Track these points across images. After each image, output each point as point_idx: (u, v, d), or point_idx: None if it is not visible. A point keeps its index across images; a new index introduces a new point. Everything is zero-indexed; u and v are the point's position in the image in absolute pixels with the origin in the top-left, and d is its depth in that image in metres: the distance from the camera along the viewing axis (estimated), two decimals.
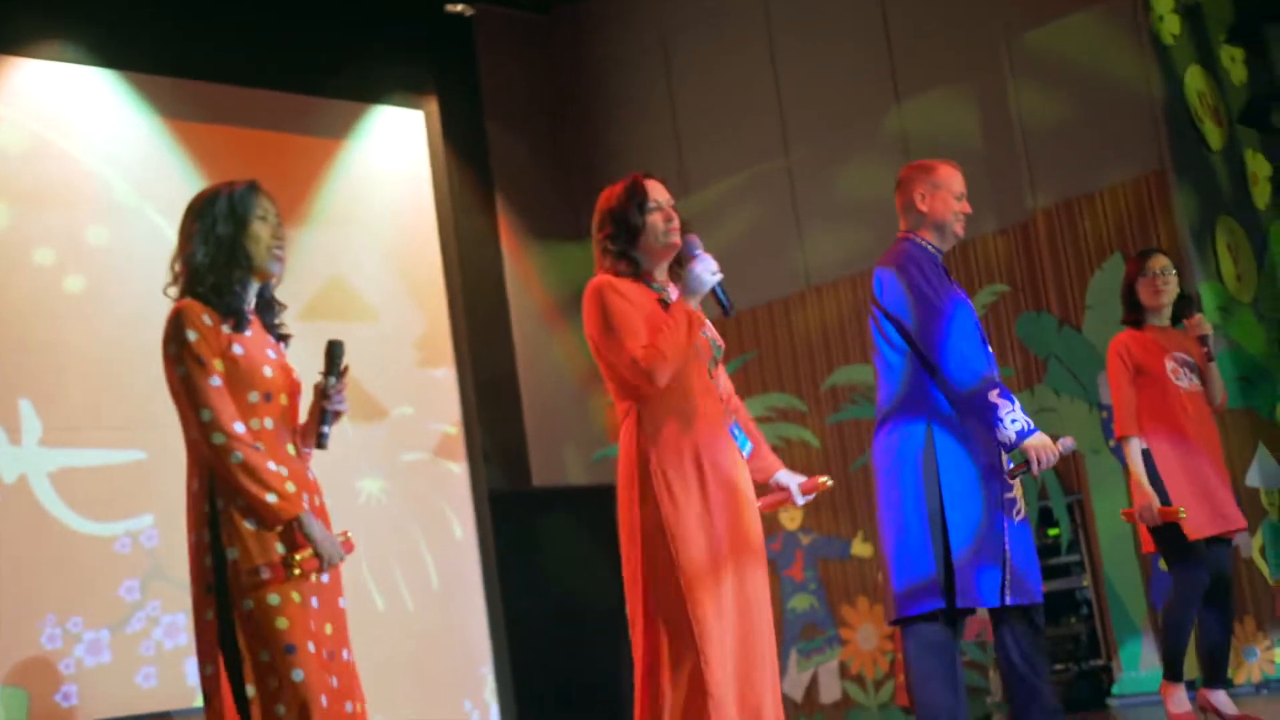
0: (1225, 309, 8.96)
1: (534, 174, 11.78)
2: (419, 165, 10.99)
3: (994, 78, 9.78)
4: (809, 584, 10.48)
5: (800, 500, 4.99)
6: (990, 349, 5.53)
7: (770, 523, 10.64)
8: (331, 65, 10.54)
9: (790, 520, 10.57)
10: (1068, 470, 9.40)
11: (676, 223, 4.76)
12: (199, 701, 7.43)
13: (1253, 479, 8.75)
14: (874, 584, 10.17)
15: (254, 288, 4.28)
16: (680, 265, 4.77)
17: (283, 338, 4.38)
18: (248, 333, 4.18)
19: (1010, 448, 5.22)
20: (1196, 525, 6.38)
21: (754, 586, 4.63)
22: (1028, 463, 5.17)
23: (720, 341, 4.90)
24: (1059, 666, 9.25)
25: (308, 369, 9.97)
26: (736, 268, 10.91)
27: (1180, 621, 6.44)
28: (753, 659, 4.58)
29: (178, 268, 4.24)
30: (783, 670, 10.51)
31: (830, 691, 10.33)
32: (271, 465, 4.08)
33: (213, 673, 4.00)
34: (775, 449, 10.52)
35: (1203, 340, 6.64)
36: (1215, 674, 6.52)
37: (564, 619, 10.31)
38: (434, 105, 11.12)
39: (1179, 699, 6.48)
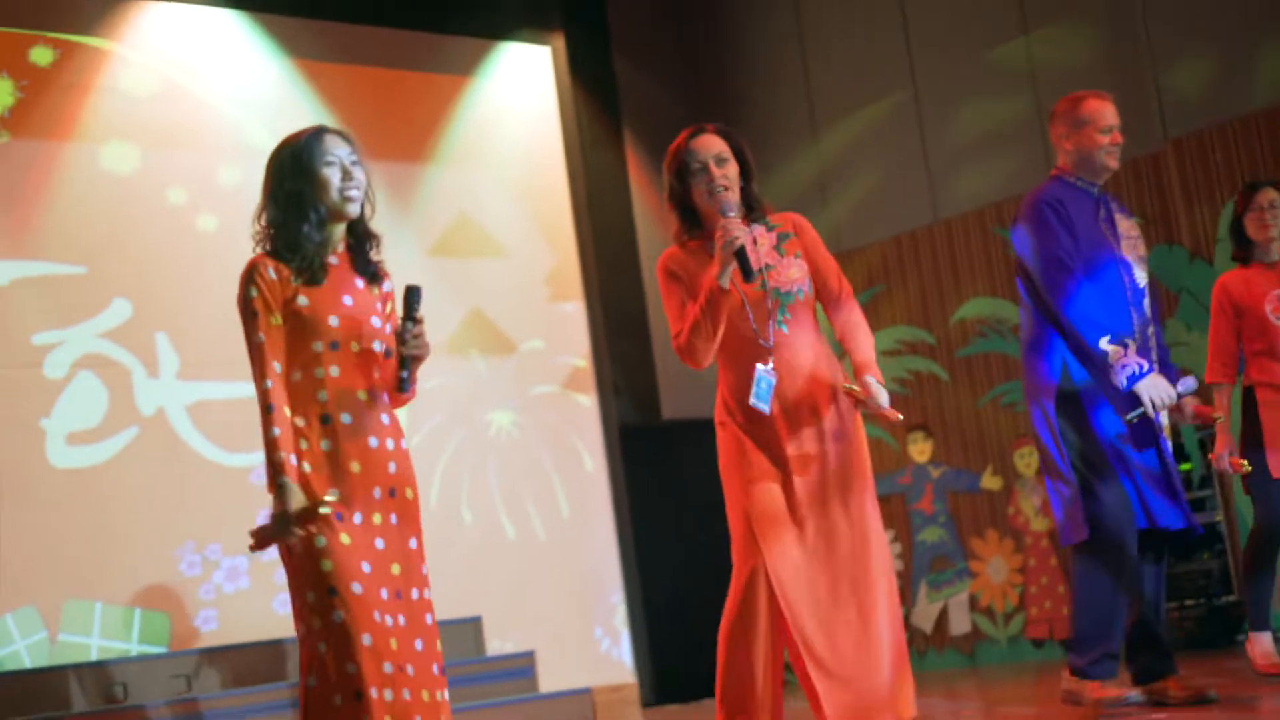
0: None
1: (662, 109, 11.78)
2: (546, 101, 11.04)
3: (1123, 5, 9.61)
4: (939, 516, 10.47)
5: (873, 398, 4.81)
6: (1137, 284, 5.54)
7: (900, 457, 10.63)
8: (459, 2, 10.62)
9: (920, 454, 10.56)
10: (1204, 402, 9.26)
11: (724, 179, 4.74)
12: None
13: None
14: (1004, 516, 10.14)
15: (337, 231, 4.36)
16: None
17: (376, 276, 4.44)
18: (324, 282, 4.25)
19: (1124, 391, 5.26)
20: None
21: (837, 523, 4.67)
22: (1143, 409, 5.22)
23: (792, 285, 4.78)
24: (1189, 602, 9.16)
25: (433, 305, 10.12)
26: (865, 201, 10.94)
27: (1261, 569, 6.33)
28: (829, 591, 4.61)
29: (258, 226, 4.34)
30: (912, 601, 10.53)
31: (960, 624, 10.33)
32: (343, 419, 4.20)
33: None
34: (903, 382, 10.55)
35: None
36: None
37: (694, 550, 10.39)
38: (561, 41, 11.16)
39: (1264, 648, 6.37)
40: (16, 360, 8.41)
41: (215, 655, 8.19)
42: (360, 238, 4.46)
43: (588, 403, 10.58)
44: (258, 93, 9.68)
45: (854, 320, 4.93)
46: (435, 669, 4.25)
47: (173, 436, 8.78)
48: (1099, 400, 5.46)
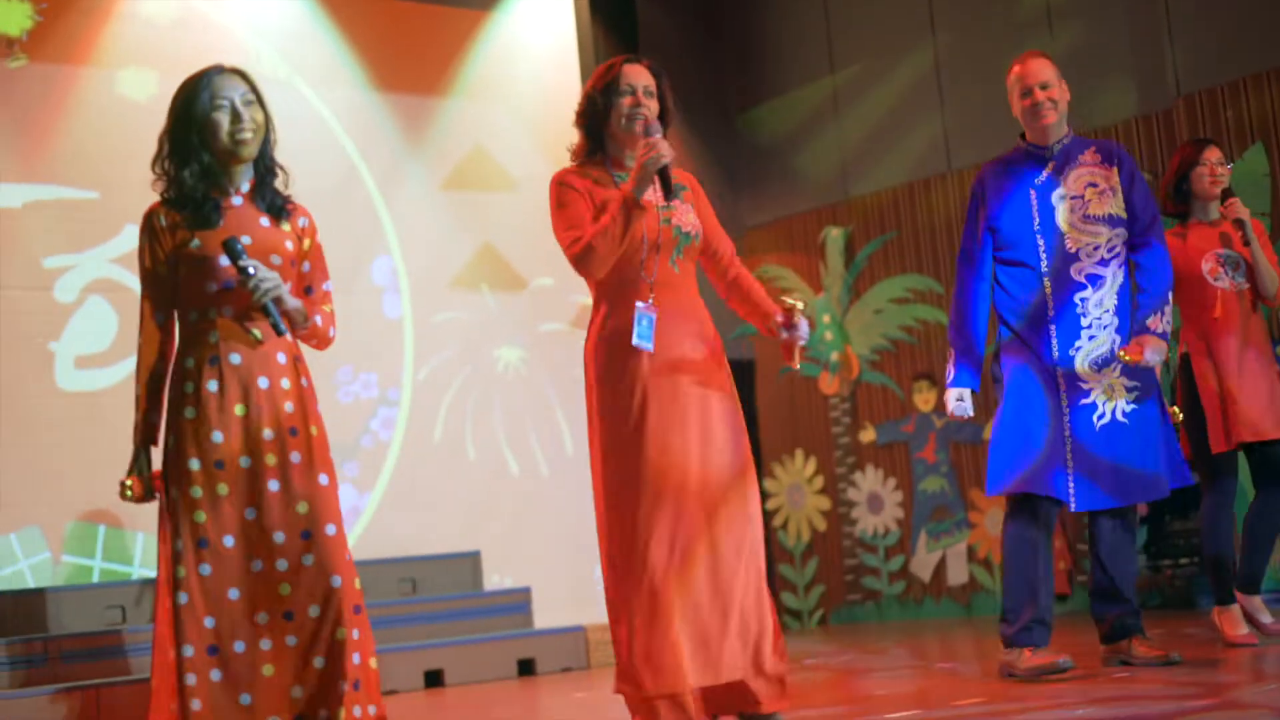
0: None
1: (683, 48, 11.78)
2: (566, 37, 11.04)
3: None
4: (941, 466, 10.53)
5: (787, 335, 4.71)
6: (1065, 250, 5.58)
7: (904, 405, 10.68)
8: None
9: (925, 403, 10.60)
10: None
11: (646, 110, 4.65)
12: None
13: None
14: None
15: (237, 171, 4.38)
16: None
17: (284, 211, 4.44)
18: (219, 224, 4.29)
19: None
20: (1219, 439, 6.19)
21: (714, 476, 4.58)
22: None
23: (691, 228, 4.72)
24: (1183, 560, 9.22)
25: (444, 239, 10.15)
26: (879, 147, 10.94)
27: (1212, 544, 6.28)
28: (697, 558, 4.53)
29: (154, 174, 4.40)
30: (911, 551, 10.60)
31: (958, 574, 10.41)
32: (231, 359, 4.30)
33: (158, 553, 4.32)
34: (910, 330, 10.59)
35: (1239, 224, 6.28)
36: (1252, 577, 6.30)
37: None
38: None
39: (1234, 620, 6.25)
40: (27, 282, 8.50)
41: None
42: (262, 174, 4.46)
43: None
44: (276, 22, 9.71)
45: (746, 272, 4.94)
46: (355, 609, 4.27)
47: None
48: (1023, 369, 5.56)
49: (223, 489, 4.20)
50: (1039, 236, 5.61)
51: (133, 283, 8.74)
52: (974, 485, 10.36)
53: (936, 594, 10.49)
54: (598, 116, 4.73)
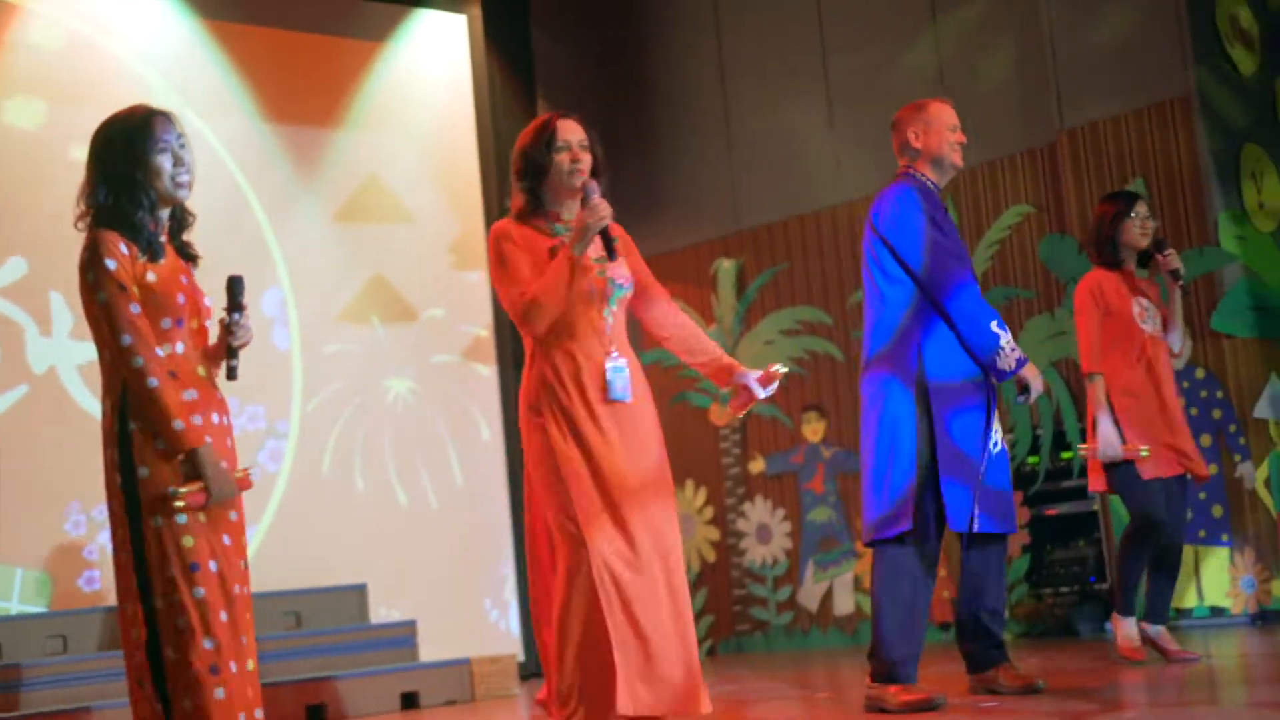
0: (1244, 238, 8.94)
1: (578, 81, 11.84)
2: (460, 70, 11.07)
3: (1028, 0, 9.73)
4: (829, 497, 10.61)
5: (761, 393, 5.07)
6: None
7: (794, 435, 10.77)
8: None
9: (813, 433, 10.68)
10: (1083, 394, 9.42)
11: (584, 164, 4.87)
12: None
13: (1262, 410, 8.77)
14: None
15: (164, 214, 4.42)
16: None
17: (191, 258, 4.50)
18: (161, 260, 4.32)
19: (1008, 376, 5.47)
20: (1152, 466, 6.48)
21: (658, 522, 4.79)
22: (1027, 390, 5.43)
23: (624, 280, 4.98)
24: (1064, 589, 9.34)
25: (335, 270, 10.13)
26: (771, 180, 11.03)
27: (1135, 558, 6.56)
28: (654, 596, 4.73)
29: (82, 207, 4.38)
30: (799, 581, 10.67)
31: (844, 604, 10.49)
32: (185, 395, 4.24)
33: (125, 585, 4.24)
34: (800, 361, 10.68)
35: (1175, 274, 6.73)
36: (1159, 610, 6.69)
37: None
38: (477, 9, 11.17)
39: (1128, 632, 6.61)
40: None
41: (95, 616, 8.24)
42: (179, 219, 4.50)
43: (487, 373, 10.66)
44: (166, 51, 9.67)
45: (690, 323, 5.23)
46: (244, 640, 4.36)
47: (63, 395, 8.81)
48: (952, 399, 5.56)
49: (201, 515, 4.23)
50: (968, 264, 5.73)
51: (14, 314, 8.68)
52: (860, 515, 10.42)
53: (824, 624, 10.57)
54: (537, 173, 4.88)
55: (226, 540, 4.30)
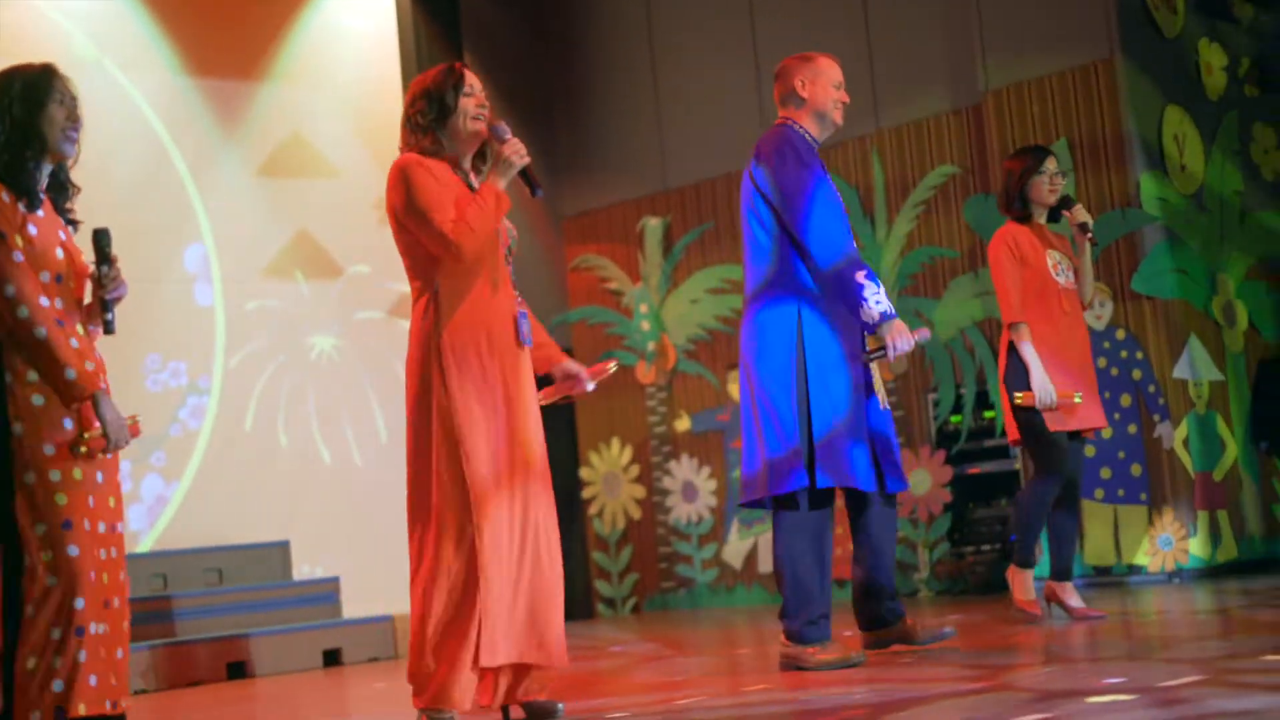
0: (1166, 200, 9.01)
1: (505, 38, 11.78)
2: (386, 24, 10.98)
3: None
4: None
5: (589, 386, 5.08)
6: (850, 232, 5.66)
7: (719, 394, 10.79)
8: None
9: (739, 392, 10.69)
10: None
11: (487, 112, 4.82)
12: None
13: (1181, 370, 8.85)
14: None
15: (47, 169, 4.37)
16: (483, 159, 4.84)
17: (72, 223, 4.46)
18: (40, 213, 4.28)
19: (872, 328, 5.41)
20: (1058, 419, 6.51)
21: (535, 493, 4.76)
22: (884, 347, 5.36)
23: (515, 234, 4.98)
24: (985, 547, 9.42)
25: (259, 226, 10.05)
26: (698, 138, 11.02)
27: (1036, 511, 6.58)
28: (530, 569, 4.71)
29: None
30: (724, 539, 10.71)
31: (768, 561, 10.53)
32: (73, 343, 4.20)
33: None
34: (726, 320, 10.69)
35: (1083, 228, 6.74)
36: (1063, 567, 6.70)
37: None
38: None
39: (1026, 585, 6.63)
40: None
41: None
42: (62, 184, 4.46)
43: None
44: (85, 3, 9.55)
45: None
46: (118, 601, 4.34)
47: None
48: (831, 354, 5.53)
49: (77, 473, 4.21)
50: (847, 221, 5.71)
51: None
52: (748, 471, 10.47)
53: (748, 581, 10.62)
54: (441, 114, 4.79)
55: (91, 502, 4.25)
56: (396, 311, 10.54)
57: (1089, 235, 6.76)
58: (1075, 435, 6.66)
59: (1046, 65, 9.31)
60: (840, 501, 5.69)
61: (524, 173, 4.73)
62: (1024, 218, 6.82)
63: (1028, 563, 6.64)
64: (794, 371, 5.49)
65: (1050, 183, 6.79)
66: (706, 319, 10.90)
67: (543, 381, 4.98)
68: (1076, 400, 6.53)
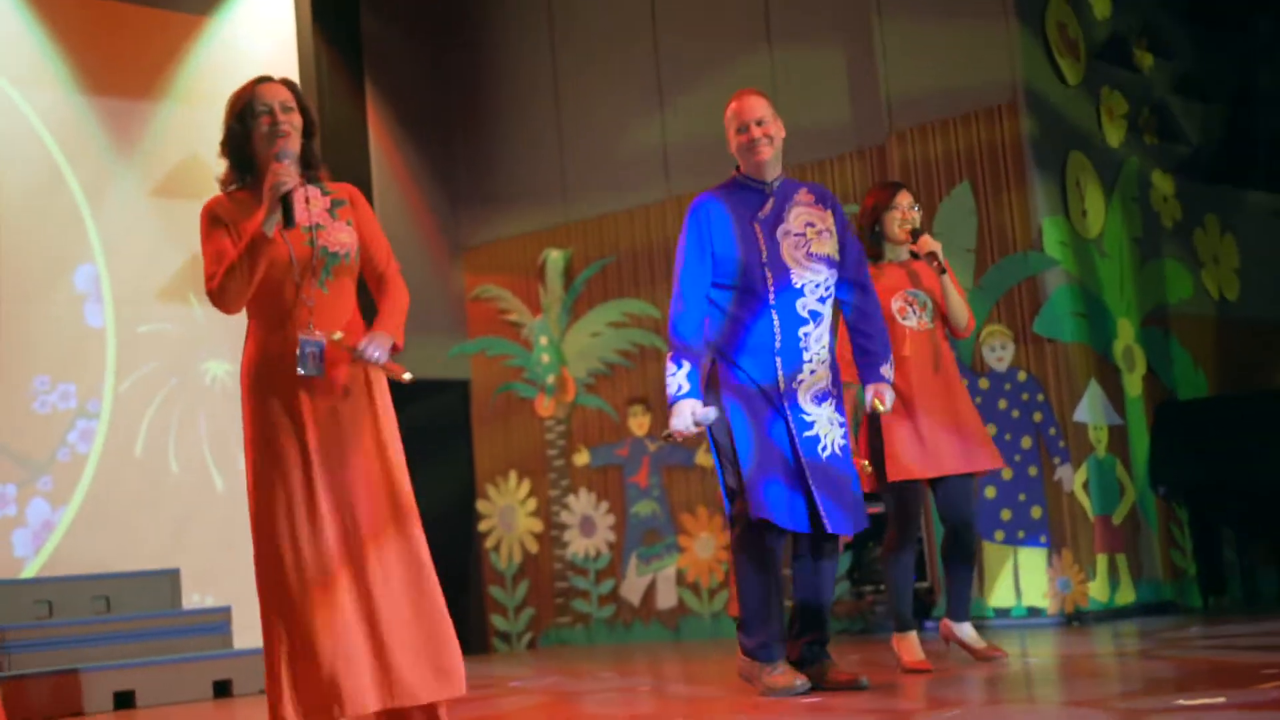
0: (1068, 244, 9.07)
1: (406, 63, 11.68)
2: (287, 49, 10.81)
3: (861, 3, 9.76)
4: (653, 490, 10.58)
5: (370, 355, 4.61)
6: (790, 285, 5.62)
7: (619, 428, 10.71)
8: None
9: (639, 426, 10.64)
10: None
11: (287, 125, 4.64)
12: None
13: (1081, 414, 8.90)
14: (715, 494, 10.27)
15: None
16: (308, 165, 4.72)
17: None
18: None
19: (669, 405, 5.61)
20: (900, 469, 6.28)
21: (357, 523, 4.57)
22: (669, 427, 5.56)
23: (340, 248, 4.66)
24: (883, 586, 9.39)
25: (153, 248, 9.87)
26: (601, 170, 10.97)
27: (895, 572, 6.37)
28: (333, 595, 4.50)
29: None
30: (622, 574, 10.63)
31: (667, 598, 10.46)
32: None
33: None
34: (626, 354, 10.63)
35: (931, 257, 6.41)
36: (959, 606, 6.52)
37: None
38: None
39: (910, 646, 6.35)
40: None
41: None
42: None
43: None
44: None
45: (392, 288, 4.81)
46: None
47: None
48: (742, 400, 5.60)
49: None
50: (766, 269, 5.64)
51: None
52: (684, 510, 10.44)
53: (646, 617, 10.54)
54: (239, 142, 4.70)
55: None
56: None
57: (937, 263, 6.43)
58: (940, 480, 6.38)
59: (951, 107, 9.35)
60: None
61: (284, 200, 4.50)
62: (875, 257, 6.50)
63: (905, 625, 6.39)
64: (717, 421, 5.64)
65: (903, 217, 6.48)
66: (607, 353, 10.83)
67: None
68: (866, 469, 6.32)
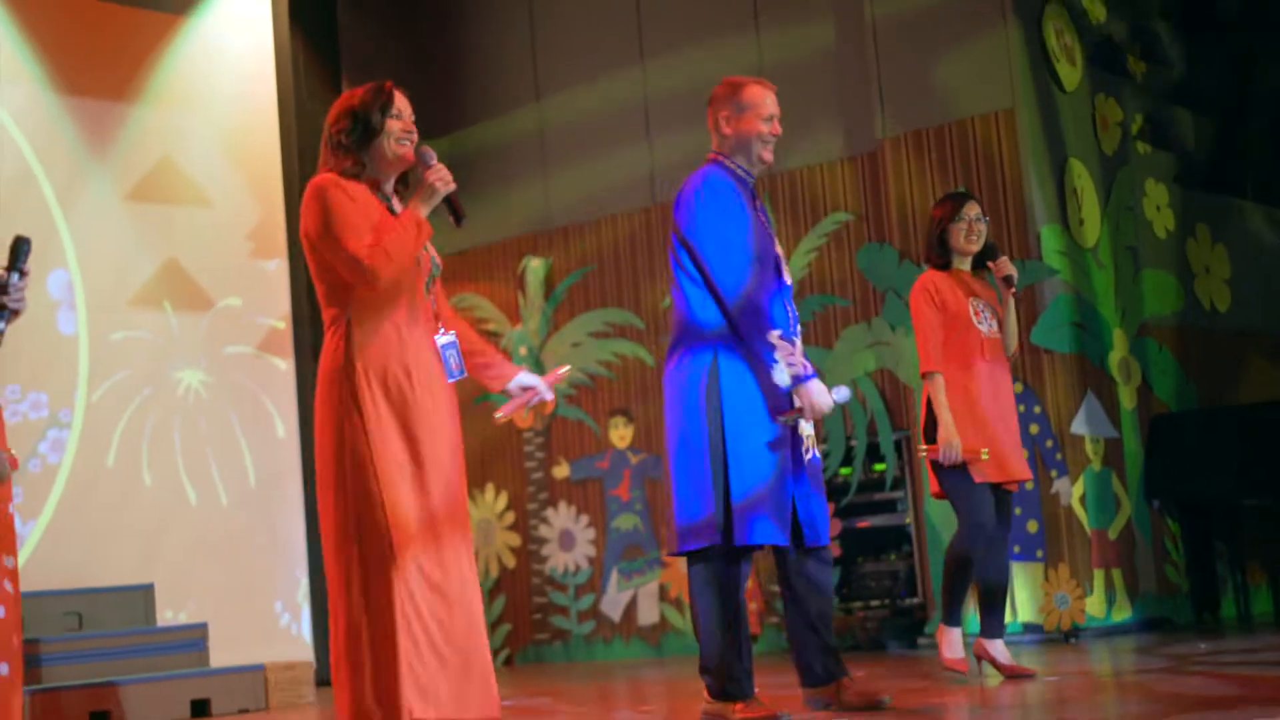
0: (1065, 253, 8.91)
1: (385, 65, 11.37)
2: (263, 49, 10.57)
3: (852, 7, 9.60)
4: (635, 504, 10.36)
5: (549, 395, 4.87)
6: (787, 283, 5.42)
7: (600, 440, 10.50)
8: None
9: (620, 439, 10.43)
10: (898, 406, 9.35)
11: (415, 136, 4.67)
12: None
13: (1078, 426, 8.75)
14: None
15: None
16: (405, 184, 4.73)
17: None
18: None
19: (784, 392, 5.16)
20: (982, 471, 6.29)
21: (461, 540, 4.55)
22: (800, 410, 5.12)
23: (439, 261, 4.78)
24: (875, 603, 9.22)
25: (126, 253, 9.60)
26: (583, 177, 10.76)
27: (962, 567, 6.35)
28: (454, 620, 4.46)
29: None
30: (603, 590, 10.41)
31: (649, 614, 10.25)
32: None
33: None
34: (608, 365, 10.42)
35: (1008, 280, 6.49)
36: (992, 624, 6.45)
37: None
38: None
39: (953, 644, 6.38)
40: None
41: None
42: None
43: (284, 366, 10.18)
44: None
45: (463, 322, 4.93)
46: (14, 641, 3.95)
47: None
48: (749, 404, 5.28)
49: None
50: (778, 257, 5.44)
51: None
52: (666, 524, 10.20)
53: (626, 634, 10.31)
54: (366, 134, 4.58)
55: None
56: (267, 347, 10.11)
57: (1013, 289, 6.54)
58: (998, 487, 6.43)
59: (946, 113, 9.19)
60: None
61: (448, 200, 4.57)
62: (944, 265, 6.59)
63: (953, 620, 6.39)
64: (707, 428, 5.22)
65: (969, 230, 6.58)
66: (588, 363, 10.61)
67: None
68: (983, 457, 6.29)
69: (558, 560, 10.64)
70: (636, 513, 10.35)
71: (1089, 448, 8.78)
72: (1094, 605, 8.57)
